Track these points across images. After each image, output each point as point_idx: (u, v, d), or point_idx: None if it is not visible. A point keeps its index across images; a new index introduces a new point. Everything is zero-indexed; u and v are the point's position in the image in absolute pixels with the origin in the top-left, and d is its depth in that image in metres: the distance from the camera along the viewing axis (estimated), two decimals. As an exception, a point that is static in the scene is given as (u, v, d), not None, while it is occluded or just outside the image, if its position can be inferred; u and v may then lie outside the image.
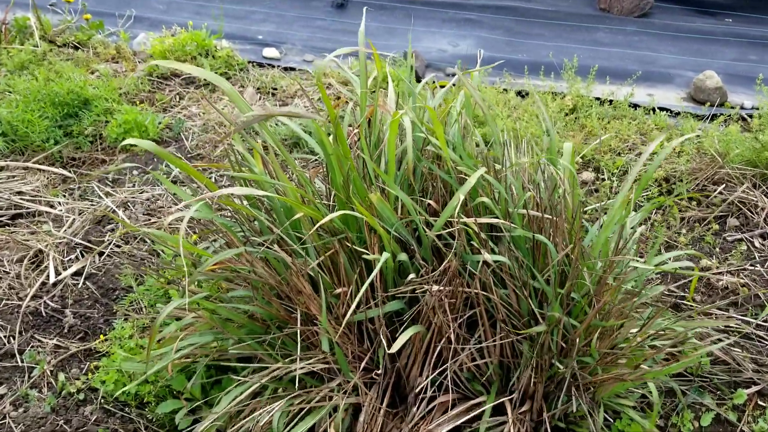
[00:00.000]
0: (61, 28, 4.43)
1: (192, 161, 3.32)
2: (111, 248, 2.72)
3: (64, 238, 2.75)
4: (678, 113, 3.70)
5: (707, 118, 3.68)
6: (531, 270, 1.80)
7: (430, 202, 1.89)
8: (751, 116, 3.66)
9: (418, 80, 4.05)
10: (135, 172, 3.21)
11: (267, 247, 1.81)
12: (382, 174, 1.69)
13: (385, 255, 1.59)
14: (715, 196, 2.97)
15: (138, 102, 3.74)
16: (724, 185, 3.02)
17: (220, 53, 4.07)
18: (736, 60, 4.38)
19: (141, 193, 3.04)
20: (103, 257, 2.69)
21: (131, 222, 2.83)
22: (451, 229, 1.73)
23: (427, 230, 1.76)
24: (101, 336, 2.32)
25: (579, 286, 1.80)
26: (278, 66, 4.27)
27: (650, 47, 4.55)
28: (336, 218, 1.71)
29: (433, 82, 2.46)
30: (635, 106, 3.70)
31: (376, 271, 1.51)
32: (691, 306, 2.45)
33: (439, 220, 1.76)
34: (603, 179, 3.13)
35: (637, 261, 1.71)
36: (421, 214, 1.80)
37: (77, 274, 2.63)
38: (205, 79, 3.98)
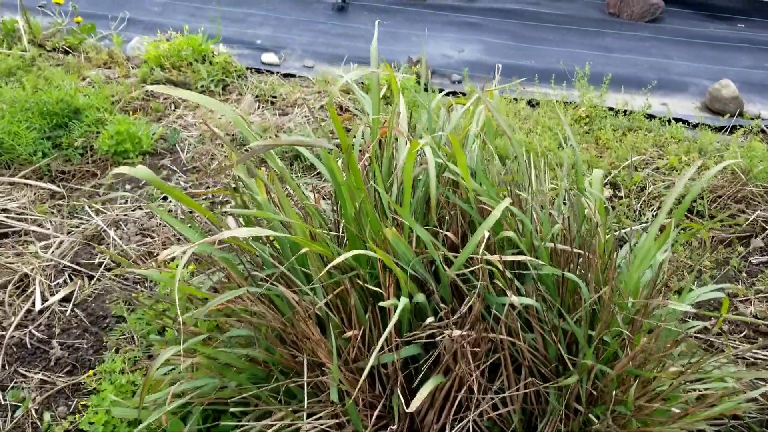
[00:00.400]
0: (51, 32, 4.25)
1: (187, 174, 3.16)
2: (101, 272, 2.56)
3: (52, 260, 2.59)
4: (696, 125, 3.55)
5: (726, 130, 3.53)
6: (559, 310, 1.65)
7: (448, 234, 1.74)
8: (771, 128, 3.52)
9: (420, 83, 3.89)
10: (128, 186, 3.05)
11: (271, 283, 1.65)
12: (399, 209, 1.54)
13: (403, 300, 1.43)
14: (738, 216, 2.83)
15: (131, 111, 3.57)
16: (747, 204, 2.88)
17: (217, 59, 3.90)
18: (751, 67, 4.23)
19: (134, 210, 2.87)
20: (93, 281, 2.53)
21: (123, 243, 2.67)
22: (473, 268, 1.58)
23: (446, 268, 1.60)
24: (90, 372, 2.16)
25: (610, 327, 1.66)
26: (277, 72, 4.11)
27: (663, 53, 4.40)
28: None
29: (444, 92, 2.31)
30: (650, 116, 3.55)
31: (393, 321, 1.36)
32: (714, 336, 2.30)
33: (460, 257, 1.60)
34: (620, 197, 2.98)
35: (676, 304, 1.56)
36: (439, 249, 1.65)
37: (65, 300, 2.46)
38: (202, 86, 3.82)
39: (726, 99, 3.75)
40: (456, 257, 1.64)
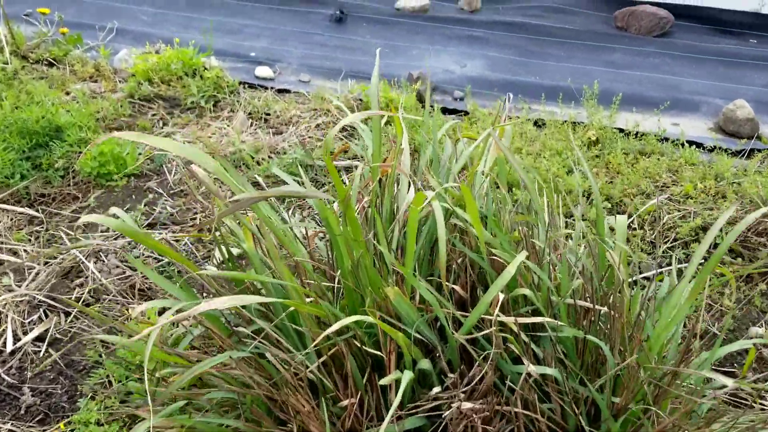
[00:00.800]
0: (36, 42, 4.07)
1: (174, 198, 2.98)
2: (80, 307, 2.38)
3: (26, 294, 2.41)
4: (712, 148, 3.38)
5: (743, 154, 3.37)
6: (579, 375, 1.48)
7: (456, 287, 1.57)
8: (790, 153, 3.36)
9: (421, 101, 3.72)
10: (111, 211, 2.86)
11: (259, 341, 1.48)
12: (401, 268, 1.36)
13: (407, 375, 1.26)
14: (760, 250, 2.66)
15: (116, 129, 3.39)
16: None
17: (208, 73, 3.72)
18: (765, 86, 4.07)
19: (116, 238, 2.69)
20: (69, 318, 2.35)
21: (102, 276, 2.49)
22: (485, 332, 1.40)
23: (454, 332, 1.43)
24: (62, 425, 1.97)
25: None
26: (272, 88, 3.93)
27: (673, 70, 4.24)
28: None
29: (449, 123, 2.15)
30: (664, 139, 3.38)
31: (397, 402, 1.18)
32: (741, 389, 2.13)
33: (470, 318, 1.43)
34: (634, 228, 2.81)
35: (711, 374, 1.39)
36: (445, 307, 1.48)
37: (39, 339, 2.28)
38: (192, 102, 3.65)
39: (741, 120, 3.59)
40: (464, 316, 1.47)
